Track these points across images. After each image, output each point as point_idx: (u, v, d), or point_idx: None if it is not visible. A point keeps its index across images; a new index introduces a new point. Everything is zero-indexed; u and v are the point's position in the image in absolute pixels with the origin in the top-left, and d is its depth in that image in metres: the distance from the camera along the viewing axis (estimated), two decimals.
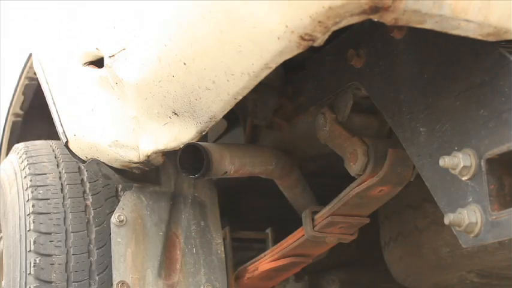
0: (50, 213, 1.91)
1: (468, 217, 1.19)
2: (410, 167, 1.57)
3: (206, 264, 1.86)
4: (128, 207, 1.82)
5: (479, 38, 1.14)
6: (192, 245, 1.87)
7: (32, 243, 1.85)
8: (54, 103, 1.86)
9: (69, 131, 1.78)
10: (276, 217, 2.21)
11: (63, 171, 2.02)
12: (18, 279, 1.86)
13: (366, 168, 1.59)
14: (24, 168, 2.04)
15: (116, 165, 1.73)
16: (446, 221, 1.22)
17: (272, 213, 2.30)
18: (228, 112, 1.44)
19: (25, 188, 1.97)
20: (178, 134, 1.56)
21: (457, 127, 1.23)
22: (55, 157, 2.09)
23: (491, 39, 1.15)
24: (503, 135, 1.14)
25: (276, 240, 2.04)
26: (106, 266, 1.85)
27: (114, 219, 1.79)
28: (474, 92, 1.20)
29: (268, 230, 2.17)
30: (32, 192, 1.94)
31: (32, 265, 1.82)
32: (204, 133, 1.54)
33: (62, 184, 1.98)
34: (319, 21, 1.07)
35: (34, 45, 2.09)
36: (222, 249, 1.91)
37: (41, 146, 2.17)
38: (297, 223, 1.87)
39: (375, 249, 2.46)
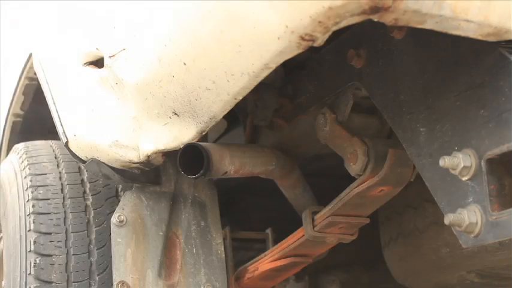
0: (50, 213, 1.91)
1: (468, 217, 1.19)
2: (410, 167, 1.57)
3: (206, 264, 1.86)
4: (128, 207, 1.82)
5: (479, 38, 1.14)
6: (192, 245, 1.87)
7: (32, 243, 1.85)
8: (54, 103, 1.86)
9: (69, 131, 1.78)
10: (276, 217, 2.21)
11: (64, 172, 2.02)
12: (18, 279, 1.86)
13: (366, 169, 1.59)
14: (24, 169, 2.04)
15: (116, 165, 1.73)
16: (446, 221, 1.22)
17: (272, 213, 2.30)
18: (228, 112, 1.44)
19: (25, 188, 1.97)
20: (178, 134, 1.56)
21: (457, 127, 1.23)
22: (55, 157, 2.09)
23: (491, 39, 1.15)
24: (503, 135, 1.14)
25: (276, 240, 2.04)
26: (106, 266, 1.85)
27: (114, 219, 1.79)
28: (474, 92, 1.20)
29: (268, 230, 2.17)
30: (32, 193, 1.94)
31: (32, 265, 1.82)
32: (204, 133, 1.54)
33: (62, 184, 1.98)
34: (319, 22, 1.07)
35: (34, 45, 2.09)
36: (222, 249, 1.91)
37: (41, 146, 2.17)
38: (297, 223, 1.87)
39: (375, 249, 2.46)
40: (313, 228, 1.81)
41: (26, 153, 2.10)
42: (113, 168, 1.75)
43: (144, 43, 1.48)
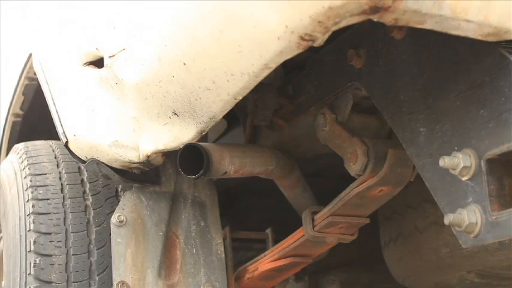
0: (50, 213, 1.91)
1: (468, 217, 1.19)
2: (410, 167, 1.57)
3: (206, 264, 1.86)
4: (128, 207, 1.82)
5: (479, 38, 1.14)
6: (192, 245, 1.87)
7: (32, 243, 1.85)
8: (54, 103, 1.86)
9: (69, 131, 1.78)
10: (276, 217, 2.21)
11: (63, 172, 2.02)
12: (18, 279, 1.86)
13: (366, 169, 1.59)
14: (24, 169, 2.04)
15: (116, 165, 1.73)
16: (446, 221, 1.22)
17: (272, 213, 2.30)
18: (228, 112, 1.44)
19: (25, 188, 1.97)
20: (178, 134, 1.56)
21: (457, 127, 1.23)
22: (55, 157, 2.09)
23: (491, 39, 1.15)
24: (503, 135, 1.14)
25: (276, 240, 2.04)
26: (106, 266, 1.85)
27: (114, 219, 1.79)
28: (474, 92, 1.20)
29: (268, 230, 2.17)
30: (32, 193, 1.94)
31: (32, 265, 1.82)
32: (204, 133, 1.54)
33: (62, 184, 1.98)
34: (319, 22, 1.07)
35: (34, 45, 2.09)
36: (222, 249, 1.91)
37: (41, 146, 2.17)
38: (297, 223, 1.87)
39: (375, 249, 2.46)
40: (313, 228, 1.81)
41: (26, 153, 2.10)
42: (112, 169, 1.75)
43: (144, 43, 1.48)
